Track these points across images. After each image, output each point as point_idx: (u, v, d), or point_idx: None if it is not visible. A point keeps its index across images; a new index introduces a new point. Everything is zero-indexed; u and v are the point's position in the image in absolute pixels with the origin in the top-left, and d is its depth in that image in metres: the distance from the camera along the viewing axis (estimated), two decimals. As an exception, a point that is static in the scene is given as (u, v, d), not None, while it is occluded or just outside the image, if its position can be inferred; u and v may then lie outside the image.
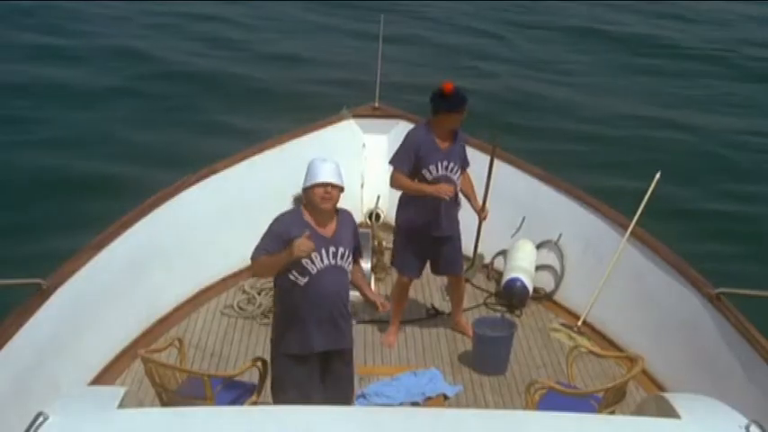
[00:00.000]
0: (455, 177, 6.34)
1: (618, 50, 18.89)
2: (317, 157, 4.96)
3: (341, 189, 4.90)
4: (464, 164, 6.51)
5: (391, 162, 6.37)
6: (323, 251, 4.86)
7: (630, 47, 19.16)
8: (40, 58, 15.18)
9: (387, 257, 7.65)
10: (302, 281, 4.88)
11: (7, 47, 15.68)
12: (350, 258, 4.99)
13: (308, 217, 4.90)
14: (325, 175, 4.82)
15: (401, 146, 6.35)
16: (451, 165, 6.31)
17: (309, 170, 4.89)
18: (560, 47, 18.80)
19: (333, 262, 4.90)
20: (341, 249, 4.93)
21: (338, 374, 5.16)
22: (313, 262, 4.85)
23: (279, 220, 4.94)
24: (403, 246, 6.57)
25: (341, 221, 5.00)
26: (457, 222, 6.52)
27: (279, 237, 4.84)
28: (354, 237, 5.06)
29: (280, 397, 5.08)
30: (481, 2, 21.20)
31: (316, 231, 4.85)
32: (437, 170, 6.27)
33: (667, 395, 3.98)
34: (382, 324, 6.95)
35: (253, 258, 4.94)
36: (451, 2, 20.95)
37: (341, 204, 4.99)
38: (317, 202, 4.83)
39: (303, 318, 4.93)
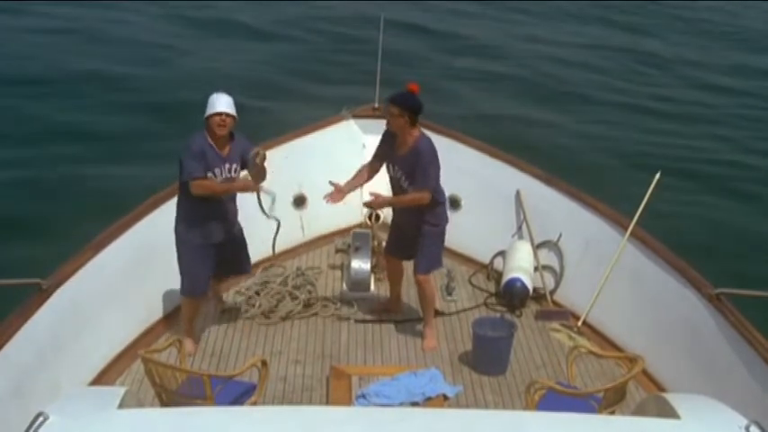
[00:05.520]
0: (401, 182, 6.37)
1: (616, 48, 18.90)
2: (215, 93, 5.97)
3: (233, 118, 5.97)
4: (415, 177, 6.27)
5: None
6: (221, 167, 6.03)
7: (630, 43, 19.17)
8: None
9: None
10: None
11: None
12: (238, 170, 6.15)
13: (210, 140, 5.98)
14: (220, 105, 5.90)
15: None
16: (395, 170, 6.37)
17: (209, 102, 5.93)
18: (560, 46, 18.82)
19: (228, 175, 6.09)
20: (234, 165, 6.10)
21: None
22: (216, 176, 6.03)
23: (195, 142, 5.96)
24: None
25: (234, 144, 6.09)
26: (408, 219, 6.50)
27: (200, 155, 5.90)
28: (243, 153, 6.10)
29: (186, 278, 6.36)
30: (483, 1, 21.22)
31: (215, 152, 5.98)
32: (390, 170, 6.44)
33: (667, 395, 3.97)
34: (382, 324, 6.97)
35: (192, 178, 5.92)
36: (453, 1, 20.95)
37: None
38: (214, 128, 5.93)
39: (206, 215, 6.18)
